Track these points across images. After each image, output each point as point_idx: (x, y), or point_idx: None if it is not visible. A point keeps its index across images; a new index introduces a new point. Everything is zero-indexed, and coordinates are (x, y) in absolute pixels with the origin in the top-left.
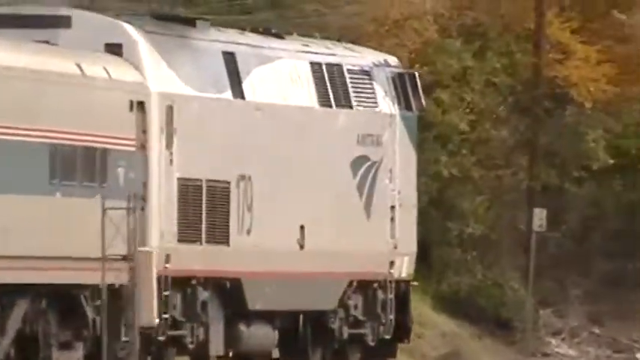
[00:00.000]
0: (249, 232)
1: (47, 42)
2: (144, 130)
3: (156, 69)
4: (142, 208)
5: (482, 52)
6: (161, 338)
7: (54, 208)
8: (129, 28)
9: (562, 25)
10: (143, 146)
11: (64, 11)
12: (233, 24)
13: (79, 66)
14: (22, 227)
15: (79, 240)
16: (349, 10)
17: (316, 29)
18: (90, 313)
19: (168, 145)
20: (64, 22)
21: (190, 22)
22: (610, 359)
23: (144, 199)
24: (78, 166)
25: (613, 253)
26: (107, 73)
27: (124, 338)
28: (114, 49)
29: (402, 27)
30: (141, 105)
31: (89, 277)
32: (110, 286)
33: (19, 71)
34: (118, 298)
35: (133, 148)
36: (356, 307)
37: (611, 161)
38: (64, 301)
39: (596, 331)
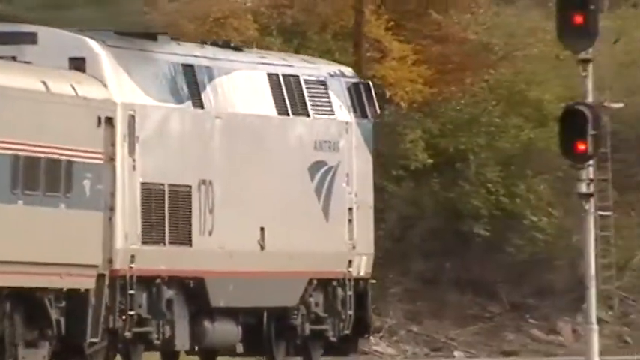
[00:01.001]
0: (210, 233)
1: (14, 58)
2: (112, 144)
3: (118, 81)
4: (110, 218)
5: (302, 50)
6: (127, 334)
7: (16, 216)
8: (91, 43)
9: (377, 22)
10: (112, 159)
11: (29, 28)
12: (49, 21)
13: (44, 83)
14: None
15: (43, 246)
16: (170, 7)
17: (138, 27)
18: (54, 314)
19: (131, 152)
20: (30, 38)
21: (151, 36)
22: (428, 357)
23: (112, 209)
24: (41, 177)
25: (431, 252)
26: (74, 89)
27: (91, 339)
28: (77, 63)
29: (222, 25)
30: (109, 120)
31: (52, 281)
32: (75, 290)
33: None
34: (82, 301)
35: (100, 161)
36: (317, 304)
37: (430, 161)
38: (28, 303)
39: (414, 329)
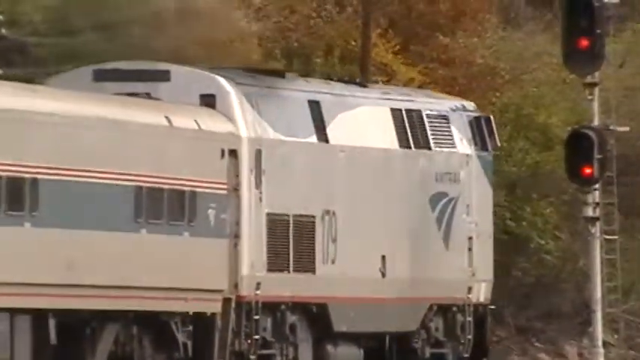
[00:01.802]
0: (333, 261)
1: (148, 94)
2: (236, 175)
3: (245, 117)
4: (235, 245)
5: (308, 74)
6: (252, 357)
7: (139, 243)
8: (221, 80)
9: (386, 47)
10: (236, 189)
11: (163, 66)
12: (56, 46)
13: (167, 118)
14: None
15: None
16: (176, 33)
17: (145, 52)
18: (181, 337)
19: (257, 184)
20: (163, 76)
21: (279, 74)
22: None
23: (237, 236)
24: (165, 207)
25: None
26: (197, 124)
27: None
28: (207, 100)
29: (228, 49)
30: (233, 152)
31: (178, 305)
32: (201, 314)
33: (111, 122)
34: (209, 325)
35: (224, 191)
36: (437, 329)
37: None
38: (156, 327)
39: None
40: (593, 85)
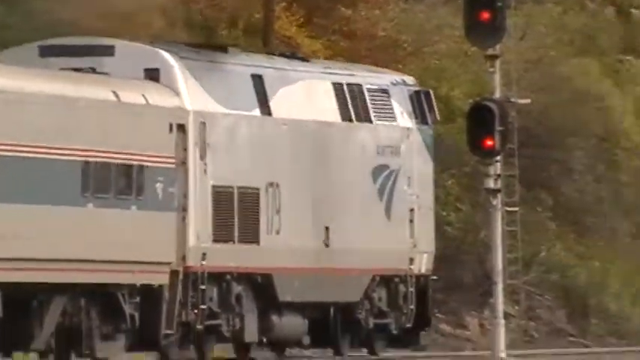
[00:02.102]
0: (278, 232)
1: (93, 69)
2: (184, 148)
3: (190, 90)
4: (183, 218)
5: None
6: (199, 327)
7: (86, 217)
8: (165, 54)
9: (290, 19)
10: (184, 163)
11: (107, 41)
12: None
13: (115, 93)
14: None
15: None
16: (77, 3)
17: (47, 25)
18: (127, 309)
19: (202, 157)
20: (107, 50)
21: (222, 48)
22: None
23: (185, 209)
24: (112, 181)
25: None
26: (145, 99)
27: (165, 331)
28: (152, 74)
29: (129, 20)
30: (181, 127)
31: (125, 277)
32: (148, 286)
33: (59, 98)
34: (157, 297)
35: (172, 165)
36: (380, 299)
37: None
38: (102, 298)
39: None
40: (494, 57)
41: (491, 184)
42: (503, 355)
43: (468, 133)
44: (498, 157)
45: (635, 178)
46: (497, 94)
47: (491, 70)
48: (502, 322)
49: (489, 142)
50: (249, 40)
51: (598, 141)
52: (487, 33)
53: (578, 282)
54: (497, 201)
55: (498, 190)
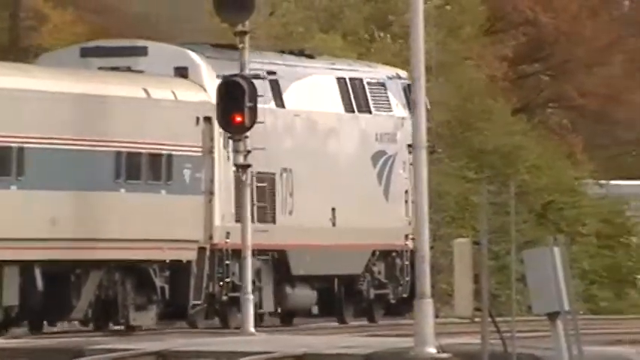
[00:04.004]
0: (291, 212)
1: (129, 68)
2: (211, 138)
3: (214, 85)
4: (210, 200)
5: None
6: (224, 298)
7: (118, 201)
8: (192, 54)
9: None
10: (210, 151)
11: (141, 42)
12: None
13: (145, 90)
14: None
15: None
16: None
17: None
18: (158, 282)
19: (225, 145)
20: (141, 51)
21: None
22: None
23: (211, 192)
24: (143, 168)
25: None
26: (174, 95)
27: (193, 302)
28: (181, 72)
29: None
30: (207, 119)
31: (155, 254)
32: (177, 262)
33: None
34: (185, 271)
35: (199, 153)
36: (379, 272)
37: None
38: (136, 273)
39: None
40: (243, 33)
41: (240, 159)
42: None
43: (219, 109)
44: (248, 133)
45: None
46: (247, 70)
47: (241, 45)
48: (251, 297)
49: (239, 118)
50: None
51: None
52: (237, 9)
53: None
54: (246, 176)
55: (249, 166)
